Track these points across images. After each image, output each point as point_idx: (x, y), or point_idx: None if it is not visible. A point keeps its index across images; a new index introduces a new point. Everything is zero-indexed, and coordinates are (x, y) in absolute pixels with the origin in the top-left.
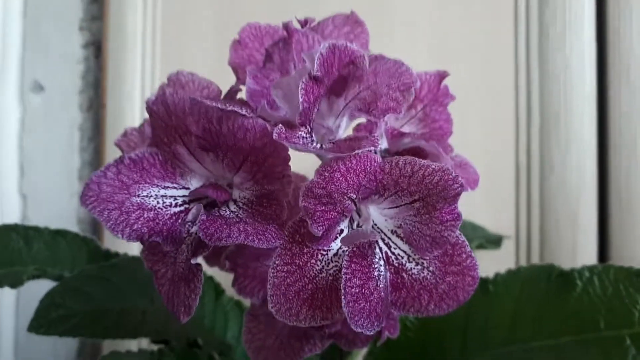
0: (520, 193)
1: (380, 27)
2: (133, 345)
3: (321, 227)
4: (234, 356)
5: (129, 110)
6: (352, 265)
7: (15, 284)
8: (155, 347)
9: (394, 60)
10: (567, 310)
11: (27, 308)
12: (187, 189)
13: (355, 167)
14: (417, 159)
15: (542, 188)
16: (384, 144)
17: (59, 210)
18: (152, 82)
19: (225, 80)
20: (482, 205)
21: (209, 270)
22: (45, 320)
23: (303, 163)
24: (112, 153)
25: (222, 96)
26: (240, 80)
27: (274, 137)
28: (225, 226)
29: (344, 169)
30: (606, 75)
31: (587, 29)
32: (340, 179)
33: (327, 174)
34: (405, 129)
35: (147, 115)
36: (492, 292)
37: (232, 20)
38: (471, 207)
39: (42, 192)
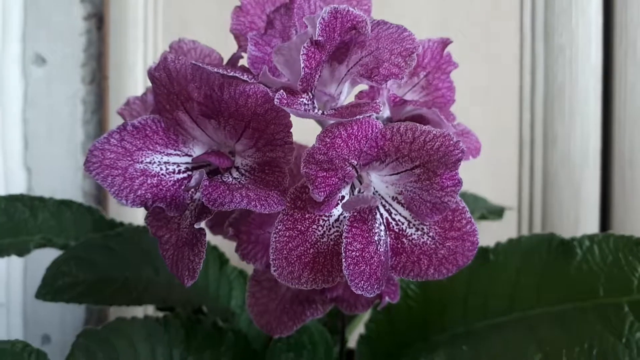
0: (523, 165)
1: None
2: (139, 312)
3: (322, 193)
4: (238, 323)
5: (132, 82)
6: (353, 229)
7: (22, 252)
8: (160, 314)
9: (396, 25)
10: (567, 279)
11: (35, 277)
12: (190, 156)
13: (356, 133)
14: (418, 125)
15: (545, 160)
16: (386, 112)
17: (64, 183)
18: (155, 53)
19: (227, 49)
20: (485, 177)
21: (213, 239)
22: (52, 288)
23: (305, 135)
24: (115, 125)
25: (224, 63)
26: (241, 47)
27: (275, 102)
28: (227, 192)
29: (345, 134)
30: (612, 48)
31: (594, 1)
32: (342, 144)
33: (328, 140)
34: (408, 96)
35: (150, 85)
36: (493, 261)
37: None
38: (473, 179)
39: (47, 165)
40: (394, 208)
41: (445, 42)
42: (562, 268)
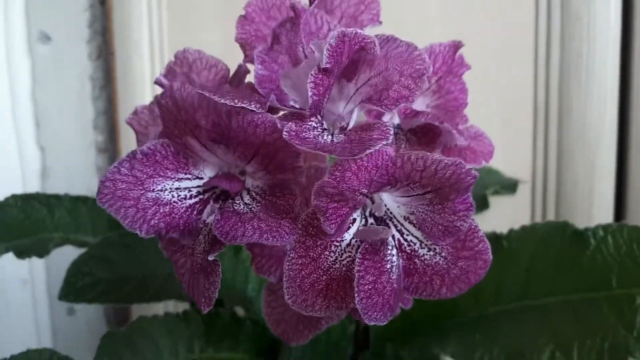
0: (537, 136)
1: None
2: (160, 308)
3: (334, 225)
4: (255, 310)
5: (138, 58)
6: (365, 262)
7: (42, 253)
8: (180, 309)
9: (406, 43)
10: (581, 268)
11: (57, 251)
12: (201, 178)
13: (366, 164)
14: (429, 154)
15: (560, 131)
16: (396, 119)
17: (78, 160)
18: (160, 25)
19: (234, 23)
20: (499, 148)
21: None
22: (73, 288)
23: None
24: (124, 101)
25: (230, 74)
26: (247, 57)
27: (284, 136)
28: (239, 224)
29: (355, 167)
30: (631, 17)
31: None
32: (352, 177)
33: (338, 174)
34: (419, 101)
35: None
36: (507, 248)
37: None
38: None
39: (60, 143)
40: (405, 228)
41: (457, 46)
42: (575, 257)
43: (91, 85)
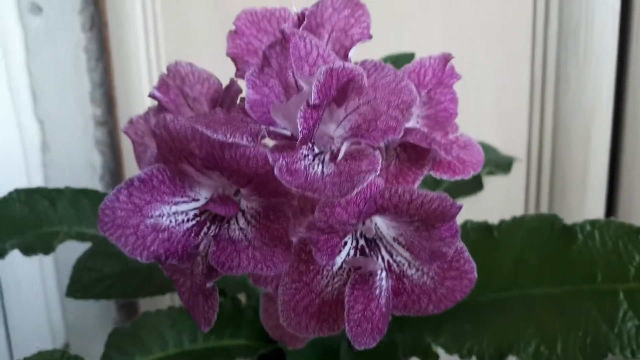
0: (533, 110)
1: None
2: (166, 301)
3: (325, 256)
4: (257, 296)
5: (131, 28)
6: (355, 292)
7: (47, 250)
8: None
9: (393, 72)
10: (567, 261)
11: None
12: (197, 200)
13: (355, 199)
14: (415, 188)
15: (557, 105)
16: None
17: (77, 134)
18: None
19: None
20: (494, 123)
21: None
22: (80, 285)
23: None
24: (120, 73)
25: (223, 88)
26: (239, 71)
27: (275, 173)
28: (235, 254)
29: (344, 202)
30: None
31: None
32: (341, 212)
33: (327, 210)
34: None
35: (151, 105)
36: (497, 238)
37: None
38: (483, 124)
39: (58, 117)
40: (395, 249)
41: (447, 58)
42: (563, 250)
43: (86, 57)
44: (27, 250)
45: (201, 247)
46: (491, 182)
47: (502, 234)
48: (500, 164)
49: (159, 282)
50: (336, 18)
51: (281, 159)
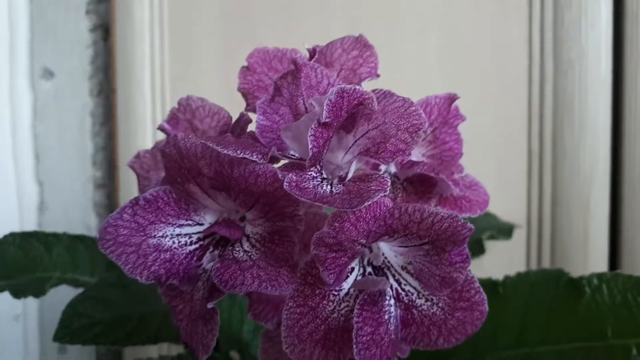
0: (532, 180)
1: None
2: (153, 351)
3: (333, 274)
4: (250, 352)
5: (140, 95)
6: (364, 313)
7: (38, 293)
8: (175, 352)
9: (402, 99)
10: (575, 317)
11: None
12: (201, 224)
13: (364, 216)
14: (425, 207)
15: (555, 175)
16: (392, 168)
17: (75, 196)
18: (162, 65)
19: (234, 64)
20: (494, 192)
21: None
22: (69, 330)
23: None
24: (124, 138)
25: (232, 121)
26: (249, 105)
27: (284, 187)
28: (239, 272)
29: (354, 218)
30: (622, 62)
31: (604, 14)
32: (351, 228)
33: (337, 224)
34: (415, 150)
35: (159, 138)
36: (502, 294)
37: (240, 3)
38: None
39: (58, 178)
40: (403, 278)
41: (452, 98)
42: (570, 306)
43: (91, 121)
44: (17, 293)
45: (204, 264)
46: (493, 248)
47: (507, 290)
48: (501, 229)
49: (152, 330)
50: (345, 58)
51: (291, 174)
